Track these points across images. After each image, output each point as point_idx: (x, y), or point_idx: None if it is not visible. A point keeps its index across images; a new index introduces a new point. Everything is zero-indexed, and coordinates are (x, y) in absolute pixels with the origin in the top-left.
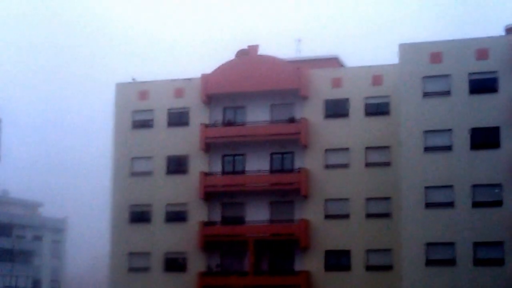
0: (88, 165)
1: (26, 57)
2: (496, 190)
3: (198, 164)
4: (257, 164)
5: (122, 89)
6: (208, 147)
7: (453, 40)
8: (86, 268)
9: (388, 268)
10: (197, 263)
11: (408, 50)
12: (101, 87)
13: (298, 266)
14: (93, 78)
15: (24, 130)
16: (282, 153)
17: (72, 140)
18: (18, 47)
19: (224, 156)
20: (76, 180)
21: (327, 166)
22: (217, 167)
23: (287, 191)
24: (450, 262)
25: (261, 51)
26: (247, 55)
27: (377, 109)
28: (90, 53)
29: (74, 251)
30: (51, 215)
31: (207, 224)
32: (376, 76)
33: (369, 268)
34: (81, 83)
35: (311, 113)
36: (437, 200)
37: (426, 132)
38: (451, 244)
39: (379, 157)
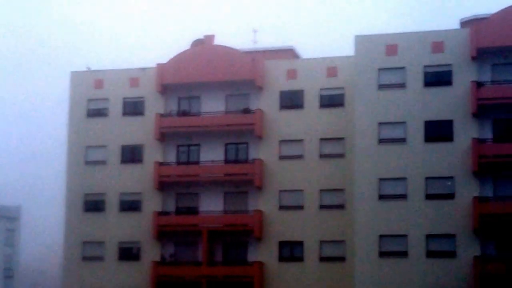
0: (43, 153)
1: None
2: (449, 183)
3: (152, 154)
4: (211, 155)
5: (77, 77)
6: (163, 137)
7: (408, 33)
8: (40, 257)
9: (341, 259)
10: (151, 253)
11: (363, 42)
12: (57, 75)
13: (252, 256)
14: (49, 66)
15: None
16: (237, 144)
17: (26, 128)
18: None
19: (178, 146)
20: (30, 168)
21: (282, 157)
22: (172, 157)
23: (242, 182)
24: (403, 254)
25: (217, 41)
26: (203, 45)
27: (332, 101)
28: (45, 40)
29: (27, 239)
30: (5, 203)
31: (161, 214)
32: (331, 67)
33: (322, 259)
34: (36, 71)
35: (266, 104)
36: (391, 192)
37: (381, 124)
38: (403, 236)
39: (334, 149)
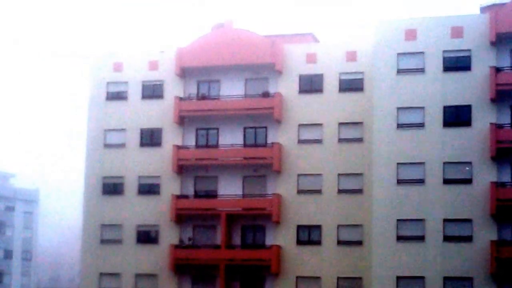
0: (62, 136)
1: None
2: (467, 168)
3: (171, 137)
4: (230, 138)
5: (97, 60)
6: (182, 120)
7: (428, 18)
8: (58, 240)
9: (358, 243)
10: (169, 236)
11: (383, 26)
12: (78, 59)
13: (270, 240)
14: (70, 49)
15: None
16: (256, 128)
17: (46, 111)
18: None
19: (197, 129)
20: (49, 151)
21: (300, 141)
22: (191, 141)
23: (260, 166)
24: (420, 238)
25: (237, 25)
26: (222, 29)
27: (351, 85)
28: (65, 24)
29: (46, 222)
30: (24, 186)
31: (179, 197)
32: (351, 52)
33: (340, 243)
34: (57, 54)
35: (285, 88)
36: (409, 177)
37: (399, 109)
38: (421, 221)
39: (352, 133)
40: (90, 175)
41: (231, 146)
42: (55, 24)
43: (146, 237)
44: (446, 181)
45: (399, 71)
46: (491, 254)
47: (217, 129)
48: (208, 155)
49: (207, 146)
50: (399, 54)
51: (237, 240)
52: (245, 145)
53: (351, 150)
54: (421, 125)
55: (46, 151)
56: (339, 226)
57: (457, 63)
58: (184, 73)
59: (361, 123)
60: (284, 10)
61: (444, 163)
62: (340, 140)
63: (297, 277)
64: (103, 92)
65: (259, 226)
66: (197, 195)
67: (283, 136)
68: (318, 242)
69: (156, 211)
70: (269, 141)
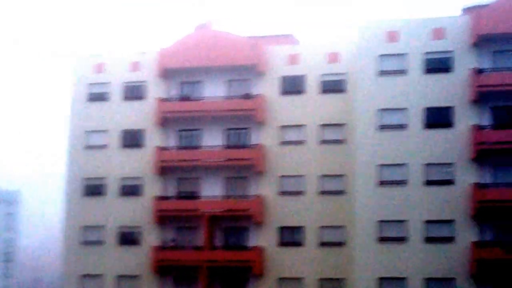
0: (44, 138)
1: None
2: (448, 169)
3: (153, 139)
4: (212, 140)
5: (79, 62)
6: (164, 121)
7: (410, 19)
8: (40, 241)
9: (340, 244)
10: (151, 238)
11: (365, 28)
12: (60, 60)
13: (252, 241)
14: (52, 50)
15: None
16: (238, 129)
17: (27, 112)
18: None
19: (179, 130)
20: (30, 153)
21: (283, 143)
22: (173, 142)
23: (242, 167)
24: (402, 239)
25: (219, 27)
26: (204, 30)
27: (333, 87)
28: (47, 26)
29: (28, 224)
30: (5, 187)
31: (162, 198)
32: (333, 53)
33: (322, 244)
34: (39, 55)
35: (268, 89)
36: (390, 178)
37: (381, 110)
38: (403, 222)
39: (334, 135)
40: (72, 177)
41: (213, 147)
42: (36, 25)
43: (128, 238)
44: (428, 183)
45: (381, 73)
46: (472, 255)
47: (199, 130)
48: (190, 156)
49: (189, 147)
50: (381, 55)
51: (219, 241)
52: (227, 146)
53: (333, 151)
54: (403, 127)
55: (27, 152)
56: (321, 227)
57: (438, 65)
58: (166, 74)
59: (343, 124)
60: (266, 12)
61: (426, 164)
62: (322, 142)
63: (279, 278)
64: (84, 93)
65: (242, 228)
66: (179, 196)
67: (265, 138)
68: (300, 243)
69: (138, 213)
70: (252, 142)
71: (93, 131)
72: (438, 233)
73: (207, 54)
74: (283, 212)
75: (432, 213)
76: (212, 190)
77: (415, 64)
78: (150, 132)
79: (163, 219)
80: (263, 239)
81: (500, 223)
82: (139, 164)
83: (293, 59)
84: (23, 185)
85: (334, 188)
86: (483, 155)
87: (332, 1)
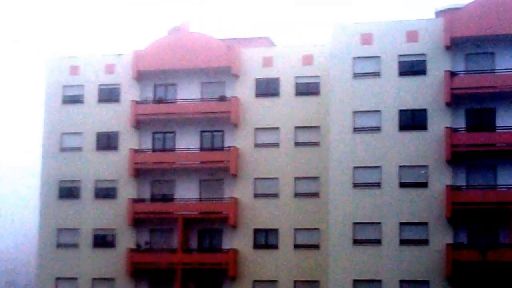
0: (17, 139)
1: None
2: (423, 172)
3: (128, 141)
4: (187, 142)
5: (52, 63)
6: (139, 124)
7: (384, 22)
8: (14, 243)
9: (315, 247)
10: (126, 240)
11: (339, 30)
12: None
13: (227, 244)
14: (23, 52)
15: None
16: (213, 131)
17: (0, 114)
18: None
19: (154, 133)
20: (4, 154)
21: (257, 145)
22: (147, 144)
23: (217, 170)
24: (377, 241)
25: (193, 29)
26: (179, 32)
27: (307, 89)
28: (21, 27)
29: (1, 226)
30: None
31: (136, 201)
32: (307, 56)
33: (297, 247)
34: (10, 57)
35: (242, 91)
36: (365, 181)
37: (355, 112)
38: (377, 224)
39: (309, 137)
40: (46, 179)
41: (188, 149)
42: (11, 25)
43: (103, 241)
44: (402, 185)
45: (355, 75)
46: (447, 257)
47: (174, 132)
48: (165, 158)
49: (163, 149)
50: (355, 58)
51: (194, 244)
52: (202, 149)
53: (307, 153)
54: (377, 129)
55: (0, 154)
56: (295, 230)
57: (412, 67)
58: (141, 76)
59: (317, 127)
60: (240, 13)
61: (400, 166)
62: (297, 144)
63: (254, 281)
64: (59, 96)
65: (216, 230)
66: (153, 199)
67: (239, 140)
68: (275, 246)
69: (112, 215)
70: (226, 144)
71: (68, 134)
72: (412, 236)
73: (182, 56)
74: (257, 214)
75: (407, 216)
76: (187, 192)
77: (389, 67)
78: (125, 134)
79: (138, 221)
80: (238, 241)
81: (474, 225)
82: (114, 166)
83: (267, 62)
84: None
85: (308, 190)
86: (457, 157)
87: (309, 2)
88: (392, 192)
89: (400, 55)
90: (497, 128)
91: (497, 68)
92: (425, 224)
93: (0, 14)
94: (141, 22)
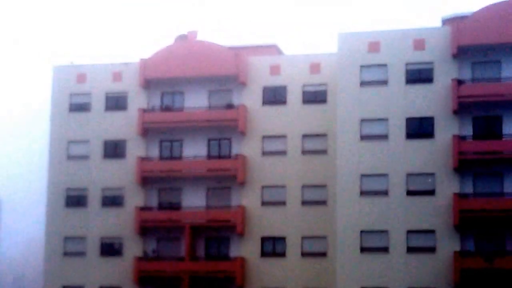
0: (24, 147)
1: None
2: (429, 179)
3: (135, 149)
4: (194, 150)
5: (60, 72)
6: (146, 131)
7: (391, 30)
8: (21, 252)
9: (322, 255)
10: (133, 248)
11: (346, 39)
12: (39, 69)
13: (234, 252)
14: (31, 60)
15: None
16: (220, 139)
17: (8, 122)
18: None
19: (161, 141)
20: (11, 162)
21: (264, 153)
22: (155, 152)
23: (224, 178)
24: (384, 249)
25: (201, 37)
26: (186, 40)
27: (315, 97)
28: (26, 34)
29: (8, 234)
30: None
31: (143, 209)
32: (315, 64)
33: (304, 255)
34: (18, 65)
35: (249, 99)
36: (372, 188)
37: (363, 120)
38: (384, 232)
39: (316, 145)
40: (53, 187)
41: (195, 157)
42: (18, 32)
43: (110, 249)
44: (409, 193)
45: (362, 83)
46: (454, 265)
47: (181, 140)
48: (172, 167)
49: (171, 157)
50: (362, 66)
51: (201, 252)
52: (209, 156)
53: (314, 161)
54: (384, 137)
55: (7, 162)
56: (303, 238)
57: (419, 75)
58: (148, 84)
59: (324, 135)
60: (248, 21)
61: (407, 174)
62: (304, 152)
63: None
64: (66, 104)
65: (223, 238)
66: (161, 207)
67: (247, 148)
68: (282, 254)
69: (119, 223)
70: (233, 152)
71: (74, 142)
72: (420, 243)
73: (189, 64)
74: (264, 222)
75: (414, 223)
76: (194, 200)
77: (396, 75)
78: (132, 142)
79: (145, 229)
80: (245, 249)
81: (481, 233)
82: (121, 174)
83: (274, 70)
84: (3, 196)
85: (316, 198)
86: (464, 165)
87: (313, 12)
88: (399, 200)
89: (407, 63)
90: (503, 136)
91: (503, 76)
92: (432, 231)
93: (6, 20)
94: (147, 29)
